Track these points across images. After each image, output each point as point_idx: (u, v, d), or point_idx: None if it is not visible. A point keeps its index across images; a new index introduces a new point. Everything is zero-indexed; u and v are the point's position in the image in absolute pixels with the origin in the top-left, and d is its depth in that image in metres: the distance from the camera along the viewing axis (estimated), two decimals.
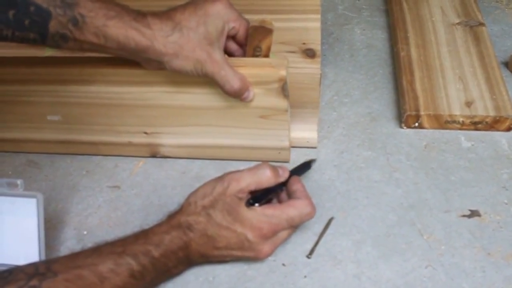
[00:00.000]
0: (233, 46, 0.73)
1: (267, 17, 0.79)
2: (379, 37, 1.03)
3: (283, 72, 0.68)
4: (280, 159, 0.78)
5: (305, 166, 0.75)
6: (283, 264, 0.66)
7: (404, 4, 1.05)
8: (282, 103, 0.71)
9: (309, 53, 0.80)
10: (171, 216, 0.64)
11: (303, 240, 0.68)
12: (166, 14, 0.66)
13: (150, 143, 0.79)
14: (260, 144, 0.76)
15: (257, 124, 0.74)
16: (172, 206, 0.74)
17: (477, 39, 0.95)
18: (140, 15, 0.64)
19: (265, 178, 0.64)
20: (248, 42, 0.71)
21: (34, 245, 0.64)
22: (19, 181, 0.64)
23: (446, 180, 0.75)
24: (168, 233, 0.61)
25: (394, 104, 0.88)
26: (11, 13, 0.60)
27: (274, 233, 0.64)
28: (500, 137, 0.81)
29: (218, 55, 0.66)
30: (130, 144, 0.79)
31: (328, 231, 0.69)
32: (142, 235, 0.61)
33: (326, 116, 0.86)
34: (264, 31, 0.71)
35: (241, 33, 0.71)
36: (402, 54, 0.93)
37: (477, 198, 0.73)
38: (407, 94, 0.85)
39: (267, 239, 0.63)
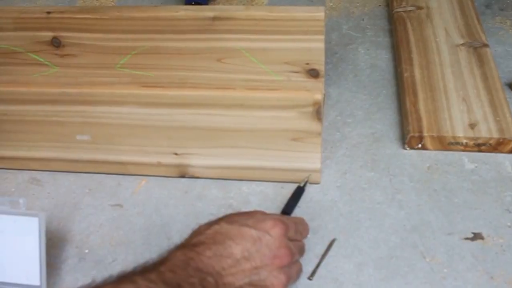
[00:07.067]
0: None
1: (270, 37, 0.80)
2: (383, 57, 1.03)
3: (318, 96, 0.69)
4: (310, 181, 0.78)
5: (299, 192, 0.76)
6: None
7: (408, 25, 1.06)
8: (316, 126, 0.72)
9: (313, 73, 0.80)
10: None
11: (304, 262, 0.68)
12: None
13: (180, 163, 0.79)
14: (291, 166, 0.77)
15: (289, 147, 0.75)
16: (174, 225, 0.74)
17: (481, 60, 0.95)
18: None
19: None
20: None
21: (35, 264, 0.64)
22: (21, 200, 0.64)
23: (449, 202, 0.75)
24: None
25: (397, 125, 0.88)
26: None
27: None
28: (503, 159, 0.81)
29: None
30: (159, 164, 0.80)
31: (330, 253, 0.69)
32: None
33: (329, 137, 0.86)
34: None
35: None
36: (406, 74, 0.93)
37: (480, 221, 0.72)
38: (410, 115, 0.85)
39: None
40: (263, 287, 0.59)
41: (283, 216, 0.68)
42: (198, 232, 0.61)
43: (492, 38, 1.04)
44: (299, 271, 0.65)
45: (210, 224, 0.62)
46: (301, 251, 0.66)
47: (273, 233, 0.61)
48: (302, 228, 0.67)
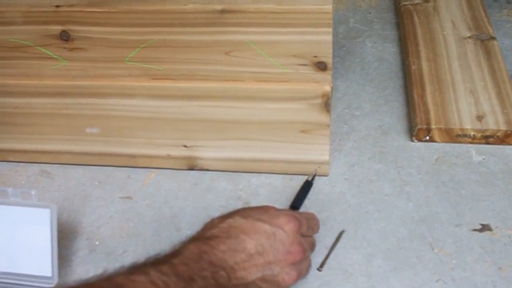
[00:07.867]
0: None
1: (278, 30, 0.80)
2: (390, 51, 1.03)
3: (327, 88, 0.69)
4: (319, 173, 0.78)
5: (307, 186, 0.76)
6: None
7: (415, 18, 1.06)
8: (325, 118, 0.72)
9: (321, 66, 0.80)
10: None
11: (314, 253, 0.68)
12: None
13: (189, 156, 0.80)
14: (300, 158, 0.77)
15: (298, 139, 0.75)
16: (184, 217, 0.75)
17: (488, 53, 0.95)
18: None
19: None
20: None
21: (47, 255, 0.65)
22: (33, 192, 0.65)
23: (457, 194, 0.75)
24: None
25: (405, 117, 0.88)
26: None
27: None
28: (511, 151, 0.81)
29: None
30: (168, 157, 0.80)
31: (339, 244, 0.70)
32: None
33: (337, 129, 0.86)
34: None
35: None
36: (413, 67, 0.93)
37: (488, 212, 0.72)
38: (418, 107, 0.85)
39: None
40: (274, 282, 0.60)
41: (295, 212, 0.68)
42: (211, 225, 0.61)
43: (499, 31, 1.04)
44: (309, 267, 0.65)
45: (223, 218, 0.62)
46: (312, 247, 0.67)
47: (287, 229, 0.61)
48: (313, 224, 0.67)
